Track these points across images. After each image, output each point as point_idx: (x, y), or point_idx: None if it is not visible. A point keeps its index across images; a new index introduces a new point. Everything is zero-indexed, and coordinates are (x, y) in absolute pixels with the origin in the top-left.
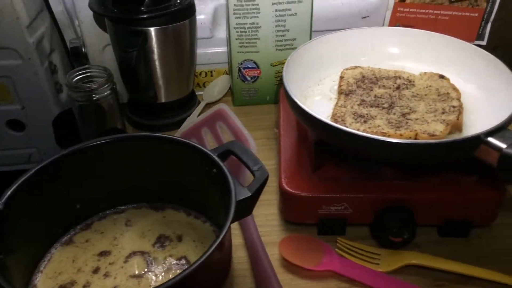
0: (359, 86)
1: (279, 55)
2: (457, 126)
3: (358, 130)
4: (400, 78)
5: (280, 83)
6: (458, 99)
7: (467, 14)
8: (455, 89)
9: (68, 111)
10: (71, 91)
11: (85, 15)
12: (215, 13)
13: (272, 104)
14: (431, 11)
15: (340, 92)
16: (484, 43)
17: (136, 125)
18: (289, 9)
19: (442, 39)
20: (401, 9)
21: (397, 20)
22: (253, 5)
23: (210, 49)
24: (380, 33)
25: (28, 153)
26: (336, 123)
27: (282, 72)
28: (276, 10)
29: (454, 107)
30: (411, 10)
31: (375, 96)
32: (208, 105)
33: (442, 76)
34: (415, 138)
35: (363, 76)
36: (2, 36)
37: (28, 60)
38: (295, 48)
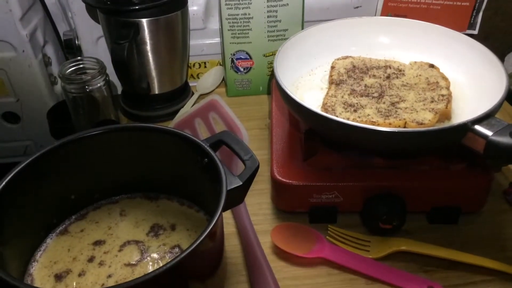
0: (350, 76)
1: (271, 46)
2: (446, 115)
3: (348, 119)
4: (390, 67)
5: (273, 74)
6: (447, 88)
7: (458, 3)
8: (444, 78)
9: (62, 103)
10: (64, 83)
11: (78, 7)
12: (208, 4)
13: (265, 94)
14: (422, 0)
15: (331, 82)
16: (475, 32)
17: (130, 116)
18: (281, 0)
19: (432, 29)
20: None
21: (389, 10)
22: None
23: (203, 40)
24: (371, 23)
25: (24, 145)
26: (326, 112)
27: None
28: (268, 1)
29: (443, 95)
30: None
31: (366, 85)
32: (202, 96)
33: (431, 65)
34: (404, 127)
35: (354, 66)
36: None
37: (22, 53)
38: (287, 38)
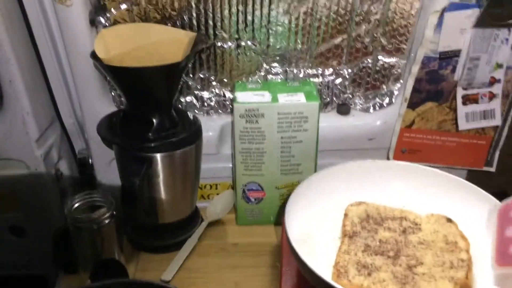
0: (364, 227)
1: (284, 179)
2: (466, 286)
3: (361, 285)
4: (406, 219)
5: (284, 205)
6: (467, 251)
7: (475, 141)
8: (463, 237)
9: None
10: (71, 220)
11: (94, 131)
12: (222, 130)
13: (277, 225)
14: (437, 137)
15: (344, 234)
16: (493, 169)
17: (136, 245)
18: (295, 137)
19: (448, 179)
20: (407, 134)
21: (403, 144)
22: (258, 131)
23: (216, 164)
24: (385, 168)
25: (27, 258)
26: (339, 275)
27: (286, 194)
28: (282, 138)
29: (462, 261)
30: (417, 135)
31: (380, 240)
32: (211, 223)
33: (449, 220)
34: None
35: (368, 215)
36: (11, 148)
37: (34, 171)
38: (300, 172)
